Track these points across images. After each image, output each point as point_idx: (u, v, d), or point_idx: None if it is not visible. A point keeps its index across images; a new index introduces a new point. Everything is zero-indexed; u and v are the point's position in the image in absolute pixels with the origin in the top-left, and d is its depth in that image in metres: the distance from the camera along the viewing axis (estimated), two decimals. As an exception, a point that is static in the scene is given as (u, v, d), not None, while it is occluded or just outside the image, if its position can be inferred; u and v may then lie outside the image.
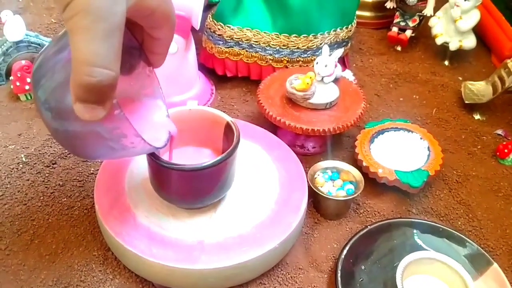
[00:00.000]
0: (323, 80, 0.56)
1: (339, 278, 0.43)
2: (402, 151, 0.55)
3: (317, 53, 0.65)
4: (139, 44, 0.36)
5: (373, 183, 0.53)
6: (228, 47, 0.66)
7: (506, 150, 0.59)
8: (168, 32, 0.35)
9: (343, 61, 0.72)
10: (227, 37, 0.65)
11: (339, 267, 0.44)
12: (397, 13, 0.79)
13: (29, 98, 0.64)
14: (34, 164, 0.54)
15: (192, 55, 0.62)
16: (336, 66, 0.56)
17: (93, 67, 0.26)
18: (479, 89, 0.66)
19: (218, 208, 0.45)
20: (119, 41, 0.27)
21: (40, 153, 0.55)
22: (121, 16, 0.27)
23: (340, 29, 0.67)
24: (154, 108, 0.40)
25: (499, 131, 0.64)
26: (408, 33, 0.78)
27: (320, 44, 0.65)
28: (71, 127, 0.33)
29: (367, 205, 0.52)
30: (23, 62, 0.62)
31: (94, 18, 0.26)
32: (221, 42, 0.65)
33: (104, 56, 0.27)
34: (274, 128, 0.57)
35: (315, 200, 0.51)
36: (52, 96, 0.32)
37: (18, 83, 0.63)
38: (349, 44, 0.71)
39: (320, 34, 0.65)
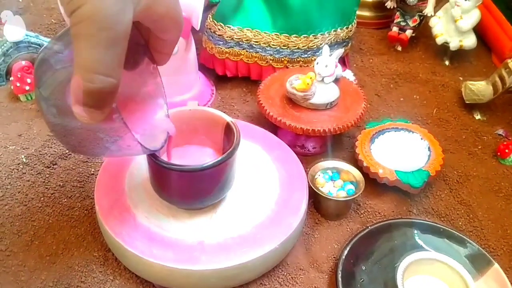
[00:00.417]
0: (324, 80, 0.56)
1: (339, 279, 0.43)
2: (402, 151, 0.55)
3: (317, 53, 0.65)
4: (144, 41, 0.36)
5: (373, 184, 0.53)
6: (228, 48, 0.65)
7: (506, 150, 0.59)
8: (176, 34, 0.35)
9: (343, 61, 0.72)
10: (227, 37, 0.65)
11: (340, 268, 0.44)
12: (398, 13, 0.79)
13: (29, 98, 0.64)
14: (34, 164, 0.54)
15: (193, 55, 0.62)
16: (336, 66, 0.56)
17: (95, 74, 0.27)
18: (480, 89, 0.66)
19: (218, 209, 0.45)
20: (123, 50, 0.27)
21: (40, 154, 0.55)
22: (127, 25, 0.27)
23: (341, 29, 0.67)
24: (155, 107, 0.40)
25: (500, 131, 0.64)
26: (409, 33, 0.78)
27: (321, 44, 0.65)
28: (69, 124, 0.33)
29: (367, 205, 0.52)
30: (23, 62, 0.62)
31: (99, 26, 0.26)
32: (221, 43, 0.65)
33: (106, 64, 0.27)
34: (274, 128, 0.57)
35: (316, 201, 0.51)
36: (53, 94, 0.32)
37: (18, 84, 0.63)
38: (349, 44, 0.71)
39: (320, 34, 0.65)
